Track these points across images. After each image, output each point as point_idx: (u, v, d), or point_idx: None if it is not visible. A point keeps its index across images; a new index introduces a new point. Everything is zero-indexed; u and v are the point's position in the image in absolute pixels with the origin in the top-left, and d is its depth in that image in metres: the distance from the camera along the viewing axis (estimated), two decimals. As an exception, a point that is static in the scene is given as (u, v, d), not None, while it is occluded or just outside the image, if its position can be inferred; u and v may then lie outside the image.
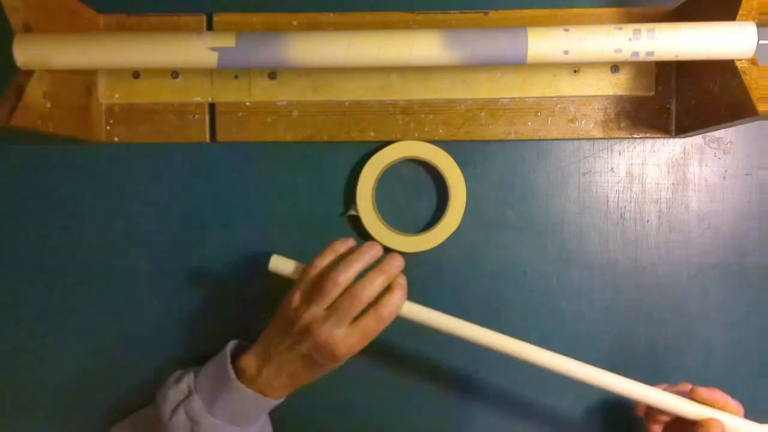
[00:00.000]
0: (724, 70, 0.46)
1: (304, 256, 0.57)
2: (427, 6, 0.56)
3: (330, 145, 0.57)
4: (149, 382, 0.58)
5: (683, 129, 0.54)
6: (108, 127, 0.57)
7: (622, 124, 0.56)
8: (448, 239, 0.57)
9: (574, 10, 0.55)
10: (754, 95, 0.43)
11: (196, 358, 0.54)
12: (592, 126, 0.56)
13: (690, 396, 0.48)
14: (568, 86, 0.56)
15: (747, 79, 0.44)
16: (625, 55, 0.45)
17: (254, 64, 0.47)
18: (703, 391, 0.47)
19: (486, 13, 0.56)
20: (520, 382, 0.58)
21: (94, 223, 0.58)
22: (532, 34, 0.45)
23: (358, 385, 0.58)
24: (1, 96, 0.45)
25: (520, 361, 0.48)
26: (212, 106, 0.57)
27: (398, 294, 0.47)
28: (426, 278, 0.58)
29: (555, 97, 0.56)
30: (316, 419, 0.59)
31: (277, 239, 0.58)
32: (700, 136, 0.57)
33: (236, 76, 0.56)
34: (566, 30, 0.45)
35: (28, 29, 0.46)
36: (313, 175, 0.58)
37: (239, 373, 0.48)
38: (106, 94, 0.56)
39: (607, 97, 0.56)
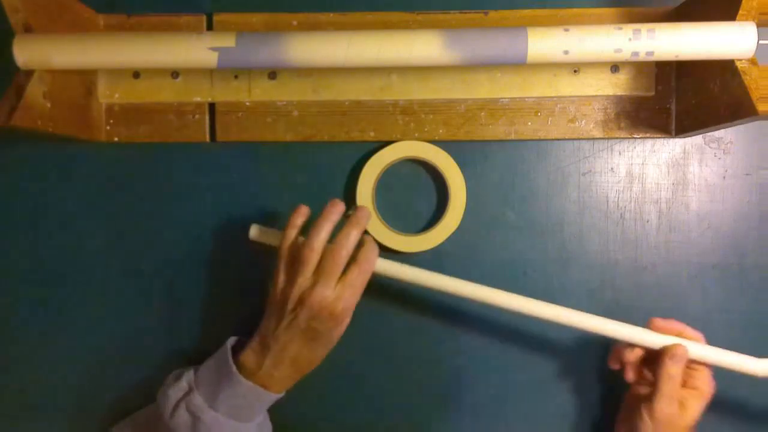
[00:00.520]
0: (724, 70, 0.46)
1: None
2: (427, 6, 0.56)
3: (330, 145, 0.57)
4: (149, 382, 0.58)
5: (683, 129, 0.54)
6: (108, 127, 0.57)
7: (622, 124, 0.56)
8: (448, 239, 0.57)
9: (574, 10, 0.55)
10: (754, 95, 0.43)
11: (197, 358, 0.54)
12: (592, 126, 0.56)
13: (649, 328, 0.50)
14: (568, 86, 0.56)
15: (747, 79, 0.44)
16: (625, 55, 0.45)
17: (254, 64, 0.47)
18: (660, 321, 0.50)
19: (486, 13, 0.56)
20: (520, 381, 0.58)
21: (94, 223, 0.58)
22: (532, 34, 0.45)
23: (357, 386, 0.58)
24: (1, 96, 0.45)
25: (489, 305, 0.51)
26: (212, 106, 0.57)
27: (370, 245, 0.50)
28: (426, 278, 0.58)
29: (555, 97, 0.56)
30: (315, 420, 0.59)
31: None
32: (700, 136, 0.57)
33: (236, 76, 0.56)
34: (566, 30, 0.45)
35: (28, 29, 0.46)
36: (313, 175, 0.58)
37: (240, 368, 0.49)
38: (106, 94, 0.56)
39: (607, 97, 0.56)
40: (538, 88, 0.56)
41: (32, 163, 0.58)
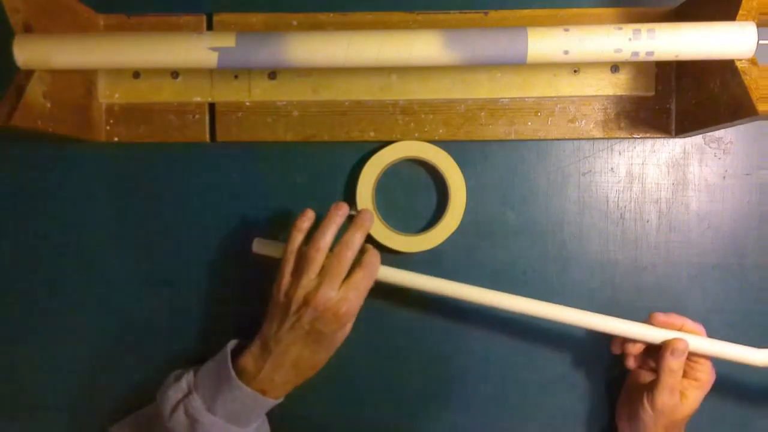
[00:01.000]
0: (724, 70, 0.46)
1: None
2: (427, 6, 0.56)
3: (330, 145, 0.57)
4: (149, 382, 0.58)
5: (683, 129, 0.54)
6: (108, 127, 0.57)
7: (622, 124, 0.56)
8: (448, 239, 0.57)
9: (574, 10, 0.55)
10: (754, 95, 0.43)
11: (197, 358, 0.54)
12: (592, 126, 0.56)
13: (650, 323, 0.51)
14: (568, 86, 0.56)
15: (747, 79, 0.44)
16: (625, 55, 0.45)
17: (254, 64, 0.47)
18: (661, 316, 0.51)
19: (486, 13, 0.56)
20: (520, 380, 0.58)
21: (94, 223, 0.58)
22: (532, 34, 0.45)
23: (356, 387, 0.58)
24: (1, 96, 0.45)
25: (493, 308, 0.52)
26: (212, 106, 0.57)
27: (373, 250, 0.50)
28: (426, 278, 0.58)
29: (555, 97, 0.56)
30: (314, 421, 0.59)
31: (277, 239, 0.58)
32: (700, 136, 0.57)
33: (236, 76, 0.56)
34: (566, 30, 0.45)
35: (28, 29, 0.46)
36: (313, 175, 0.58)
37: (239, 372, 0.48)
38: (106, 94, 0.56)
39: (607, 97, 0.56)
40: (538, 88, 0.56)
41: (32, 163, 0.58)
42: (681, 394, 0.50)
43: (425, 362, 0.58)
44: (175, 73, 0.56)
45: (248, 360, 0.49)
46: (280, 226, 0.58)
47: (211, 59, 0.46)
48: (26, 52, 0.45)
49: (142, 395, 0.58)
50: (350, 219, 0.58)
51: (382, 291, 0.57)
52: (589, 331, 0.58)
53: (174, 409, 0.48)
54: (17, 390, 0.59)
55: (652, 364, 0.52)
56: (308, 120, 0.57)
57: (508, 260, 0.58)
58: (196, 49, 0.46)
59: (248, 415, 0.49)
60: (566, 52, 0.45)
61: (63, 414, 0.59)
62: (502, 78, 0.56)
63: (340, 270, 0.48)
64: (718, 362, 0.51)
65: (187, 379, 0.49)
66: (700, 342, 0.50)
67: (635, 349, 0.52)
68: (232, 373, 0.48)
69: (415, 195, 0.58)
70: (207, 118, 0.57)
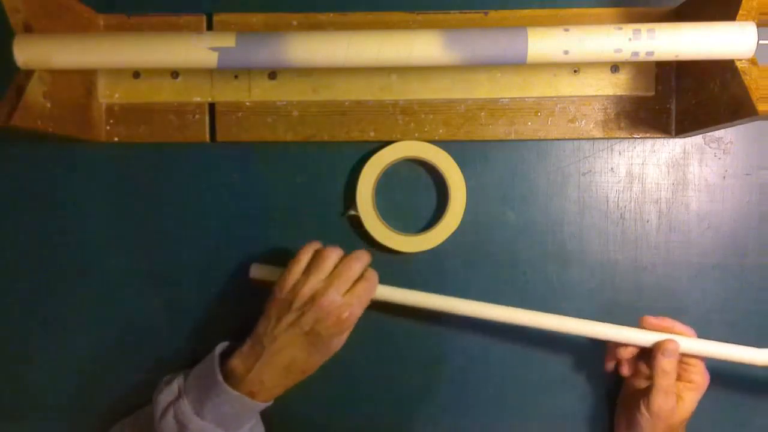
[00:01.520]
0: (724, 70, 0.46)
1: (304, 256, 0.57)
2: (427, 6, 0.56)
3: (330, 145, 0.57)
4: (149, 381, 0.58)
5: (683, 129, 0.54)
6: (108, 127, 0.57)
7: (622, 124, 0.56)
8: (448, 239, 0.56)
9: (574, 10, 0.55)
10: (754, 95, 0.43)
11: (196, 358, 0.54)
12: (592, 126, 0.56)
13: (641, 327, 0.51)
14: (568, 86, 0.56)
15: (747, 79, 0.44)
16: (625, 55, 0.45)
17: (254, 64, 0.47)
18: (651, 319, 0.51)
19: (486, 13, 0.56)
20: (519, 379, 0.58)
21: (94, 223, 0.58)
22: (532, 34, 0.45)
23: (355, 387, 0.58)
24: (1, 96, 0.45)
25: (486, 320, 0.53)
26: (212, 106, 0.57)
27: (372, 271, 0.51)
28: (426, 278, 0.58)
29: (555, 97, 0.56)
30: (314, 422, 0.59)
31: (277, 239, 0.58)
32: (700, 136, 0.57)
33: (236, 76, 0.56)
34: (566, 30, 0.45)
35: (28, 29, 0.46)
36: (313, 175, 0.58)
37: (228, 375, 0.48)
38: (106, 94, 0.56)
39: (607, 97, 0.56)
40: (538, 88, 0.56)
41: (32, 163, 0.58)
42: (677, 396, 0.50)
43: (424, 363, 0.58)
44: (175, 73, 0.56)
45: (237, 360, 0.49)
46: (279, 226, 0.58)
47: (211, 59, 0.46)
48: (26, 52, 0.45)
49: (142, 395, 0.58)
50: (350, 219, 0.58)
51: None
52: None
53: (164, 413, 0.48)
54: (18, 390, 0.59)
55: (646, 370, 0.52)
56: (308, 120, 0.57)
57: (508, 260, 0.58)
58: (196, 49, 0.46)
59: (238, 419, 0.49)
60: (566, 52, 0.45)
61: (63, 414, 0.59)
62: (502, 78, 0.56)
63: (349, 276, 0.49)
64: (716, 362, 0.51)
65: (178, 382, 0.49)
66: (690, 342, 0.50)
67: (627, 354, 0.52)
68: (220, 377, 0.47)
69: (415, 195, 0.58)
70: (207, 118, 0.57)
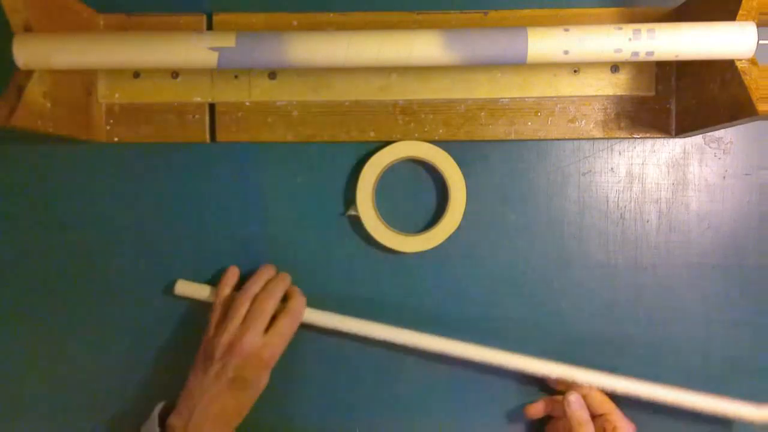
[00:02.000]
0: (724, 70, 0.46)
1: (303, 256, 0.58)
2: (427, 6, 0.56)
3: (330, 145, 0.57)
4: (150, 381, 0.58)
5: (683, 129, 0.54)
6: (108, 127, 0.57)
7: (622, 124, 0.56)
8: (448, 239, 0.57)
9: (574, 10, 0.55)
10: (754, 95, 0.43)
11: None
12: (592, 126, 0.56)
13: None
14: (568, 86, 0.56)
15: (747, 79, 0.44)
16: (625, 55, 0.45)
17: (254, 64, 0.47)
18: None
19: (486, 13, 0.56)
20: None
21: (94, 223, 0.58)
22: (532, 34, 0.45)
23: (352, 389, 0.58)
24: (1, 96, 0.45)
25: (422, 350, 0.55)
26: (212, 106, 0.57)
27: (298, 296, 0.54)
28: (426, 278, 0.58)
29: (555, 97, 0.56)
30: (313, 419, 0.59)
31: (277, 239, 0.58)
32: (700, 136, 0.57)
33: (236, 76, 0.56)
34: (566, 30, 0.45)
35: (28, 29, 0.46)
36: (313, 175, 0.58)
37: None
38: (106, 94, 0.56)
39: (607, 97, 0.56)
40: (538, 88, 0.56)
41: (32, 164, 0.58)
42: None
43: (422, 367, 0.58)
44: (175, 73, 0.56)
45: (174, 418, 0.50)
46: (279, 226, 0.58)
47: (211, 59, 0.46)
48: (26, 52, 0.45)
49: (142, 394, 0.58)
50: (350, 219, 0.58)
51: (379, 298, 0.57)
52: (588, 333, 0.58)
53: None
54: (17, 390, 0.59)
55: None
56: (308, 120, 0.57)
57: (508, 260, 0.58)
58: (196, 49, 0.46)
59: None
60: (566, 52, 0.45)
61: (64, 414, 0.59)
62: (502, 78, 0.56)
63: (263, 317, 0.51)
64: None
65: None
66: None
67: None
68: None
69: (415, 195, 0.58)
70: (207, 118, 0.57)
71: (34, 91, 0.46)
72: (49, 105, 0.48)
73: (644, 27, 0.45)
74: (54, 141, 0.58)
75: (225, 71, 0.56)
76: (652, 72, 0.55)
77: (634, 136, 0.56)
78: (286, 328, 0.52)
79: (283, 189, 0.58)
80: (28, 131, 0.46)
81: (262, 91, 0.56)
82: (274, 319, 0.52)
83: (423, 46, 0.46)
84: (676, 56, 0.45)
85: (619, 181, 0.58)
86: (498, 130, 0.56)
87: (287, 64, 0.46)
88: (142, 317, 0.58)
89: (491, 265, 0.58)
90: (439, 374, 0.58)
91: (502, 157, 0.58)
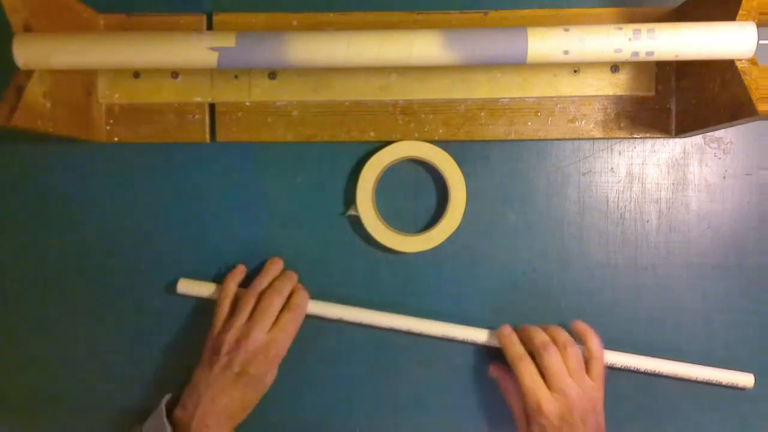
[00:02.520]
0: (724, 70, 0.46)
1: (303, 256, 0.58)
2: (427, 6, 0.56)
3: (330, 145, 0.57)
4: (150, 381, 0.58)
5: (683, 129, 0.54)
6: (108, 127, 0.57)
7: (622, 124, 0.56)
8: (448, 239, 0.57)
9: (574, 10, 0.55)
10: (754, 95, 0.43)
11: (196, 358, 0.54)
12: (592, 126, 0.56)
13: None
14: (568, 86, 0.56)
15: (747, 79, 0.44)
16: (625, 55, 0.45)
17: (254, 64, 0.47)
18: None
19: (486, 13, 0.56)
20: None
21: (94, 223, 0.58)
22: (532, 34, 0.45)
23: (353, 390, 0.58)
24: (1, 96, 0.45)
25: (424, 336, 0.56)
26: (212, 106, 0.57)
27: (301, 292, 0.54)
28: (426, 278, 0.58)
29: (555, 97, 0.56)
30: (312, 419, 0.59)
31: (277, 239, 0.58)
32: (700, 136, 0.57)
33: (236, 76, 0.56)
34: (566, 30, 0.45)
35: (28, 29, 0.46)
36: (313, 175, 0.58)
37: (175, 425, 0.50)
38: (106, 94, 0.56)
39: (607, 97, 0.56)
40: (538, 88, 0.56)
41: (32, 164, 0.58)
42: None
43: (421, 367, 0.58)
44: (175, 73, 0.56)
45: (180, 410, 0.50)
46: (279, 226, 0.58)
47: (211, 59, 0.46)
48: (26, 52, 0.45)
49: (142, 394, 0.58)
50: (350, 219, 0.58)
51: (379, 298, 0.57)
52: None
53: None
54: (18, 390, 0.59)
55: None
56: (308, 120, 0.57)
57: (508, 260, 0.58)
58: (196, 49, 0.46)
59: None
60: (566, 52, 0.45)
61: (65, 414, 0.59)
62: (502, 78, 0.56)
63: (269, 313, 0.52)
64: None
65: None
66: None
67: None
68: (169, 429, 0.49)
69: (415, 195, 0.58)
70: (207, 118, 0.57)
71: (34, 91, 0.46)
72: (49, 105, 0.48)
73: (644, 27, 0.45)
74: (54, 141, 0.58)
75: (225, 71, 0.56)
76: (652, 72, 0.55)
77: (634, 136, 0.56)
78: (289, 324, 0.52)
79: (283, 189, 0.58)
80: (28, 131, 0.46)
81: (262, 91, 0.56)
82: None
83: (423, 46, 0.46)
84: (676, 56, 0.45)
85: (619, 181, 0.58)
86: (498, 130, 0.56)
87: (287, 64, 0.46)
88: (142, 317, 0.58)
89: (491, 265, 0.58)
90: (439, 374, 0.58)
91: (502, 157, 0.58)
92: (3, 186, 0.58)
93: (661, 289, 0.58)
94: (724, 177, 0.57)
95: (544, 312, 0.58)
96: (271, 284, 0.54)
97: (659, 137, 0.57)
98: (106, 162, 0.58)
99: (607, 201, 0.58)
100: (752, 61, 0.45)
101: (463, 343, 0.56)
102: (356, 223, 0.57)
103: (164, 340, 0.58)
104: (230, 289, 0.54)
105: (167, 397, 0.53)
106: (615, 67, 0.55)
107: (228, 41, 0.46)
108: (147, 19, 0.56)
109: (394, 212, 0.58)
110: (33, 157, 0.58)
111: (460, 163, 0.56)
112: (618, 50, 0.45)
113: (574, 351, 0.52)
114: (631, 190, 0.58)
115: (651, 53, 0.45)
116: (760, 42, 0.44)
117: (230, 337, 0.51)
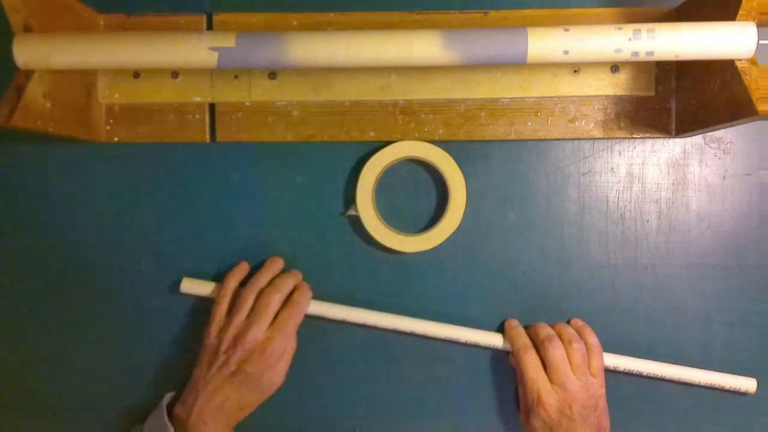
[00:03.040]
0: (724, 70, 0.46)
1: (303, 256, 0.58)
2: (427, 6, 0.56)
3: (330, 145, 0.57)
4: (150, 381, 0.58)
5: (683, 129, 0.54)
6: (108, 127, 0.57)
7: (622, 124, 0.56)
8: (448, 239, 0.57)
9: (574, 10, 0.55)
10: (754, 95, 0.43)
11: (196, 357, 0.54)
12: (592, 126, 0.56)
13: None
14: (568, 86, 0.56)
15: (747, 79, 0.44)
16: (625, 55, 0.45)
17: (254, 64, 0.46)
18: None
19: (486, 13, 0.56)
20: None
21: (94, 223, 0.58)
22: (532, 34, 0.45)
23: (353, 391, 0.58)
24: (1, 96, 0.45)
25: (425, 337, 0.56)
26: (212, 106, 0.57)
27: (303, 289, 0.54)
28: (426, 278, 0.58)
29: (555, 97, 0.56)
30: (311, 420, 0.59)
31: (277, 239, 0.58)
32: (700, 136, 0.57)
33: (236, 76, 0.56)
34: (566, 30, 0.45)
35: (28, 29, 0.46)
36: (313, 175, 0.58)
37: (174, 422, 0.50)
38: (106, 94, 0.56)
39: (607, 97, 0.56)
40: (538, 88, 0.56)
41: (32, 164, 0.58)
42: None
43: (421, 367, 0.58)
44: (175, 73, 0.56)
45: (179, 408, 0.51)
46: (279, 226, 0.58)
47: (211, 59, 0.46)
48: (26, 52, 0.45)
49: (143, 395, 0.58)
50: (350, 219, 0.58)
51: (379, 298, 0.57)
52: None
53: None
54: (18, 390, 0.59)
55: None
56: (308, 120, 0.57)
57: (508, 260, 0.58)
58: (196, 49, 0.46)
59: None
60: (566, 52, 0.45)
61: (65, 414, 0.59)
62: (502, 78, 0.56)
63: (268, 312, 0.51)
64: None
65: None
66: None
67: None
68: (170, 428, 0.49)
69: (415, 195, 0.58)
70: (207, 118, 0.57)
71: (34, 91, 0.46)
72: (49, 105, 0.48)
73: (644, 27, 0.45)
74: (54, 141, 0.58)
75: (225, 71, 0.56)
76: (652, 72, 0.55)
77: (634, 136, 0.56)
78: (288, 323, 0.52)
79: (283, 189, 0.58)
80: (28, 131, 0.46)
81: (262, 91, 0.56)
82: None
83: (423, 46, 0.46)
84: (676, 56, 0.45)
85: (619, 181, 0.58)
86: (498, 130, 0.56)
87: (287, 64, 0.46)
88: (142, 316, 0.58)
89: (491, 265, 0.58)
90: (438, 374, 0.58)
91: (502, 157, 0.58)
92: (3, 186, 0.58)
93: (661, 289, 0.58)
94: (724, 177, 0.57)
95: (544, 312, 0.58)
96: (271, 281, 0.54)
97: (659, 137, 0.57)
98: (106, 162, 0.58)
99: (607, 201, 0.58)
100: (752, 61, 0.45)
101: (465, 344, 0.56)
102: (356, 223, 0.57)
103: (164, 339, 0.58)
104: (230, 287, 0.54)
105: (169, 395, 0.53)
106: (615, 67, 0.55)
107: (228, 41, 0.46)
108: (147, 19, 0.56)
109: (394, 212, 0.58)
110: (33, 157, 0.58)
111: (460, 163, 0.56)
112: (618, 50, 0.45)
113: (579, 347, 0.52)
114: (631, 190, 0.58)
115: (651, 53, 0.45)
116: (760, 42, 0.44)
117: (228, 335, 0.51)
